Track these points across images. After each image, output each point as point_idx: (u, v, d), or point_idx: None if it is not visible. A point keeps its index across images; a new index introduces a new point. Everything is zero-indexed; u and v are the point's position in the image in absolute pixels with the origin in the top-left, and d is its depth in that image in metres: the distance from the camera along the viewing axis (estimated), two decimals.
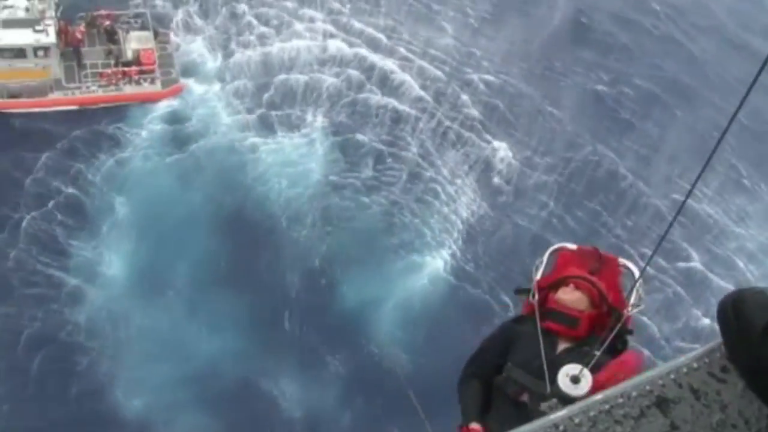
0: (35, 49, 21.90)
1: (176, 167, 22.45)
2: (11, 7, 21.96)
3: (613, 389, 1.54)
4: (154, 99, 23.37)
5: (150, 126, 23.00)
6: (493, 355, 3.36)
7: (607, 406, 1.50)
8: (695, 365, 1.61)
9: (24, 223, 20.32)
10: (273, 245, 21.53)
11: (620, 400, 1.51)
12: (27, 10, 21.90)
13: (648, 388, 1.54)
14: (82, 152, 22.03)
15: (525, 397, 3.10)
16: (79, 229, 20.78)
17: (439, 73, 26.89)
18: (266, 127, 24.07)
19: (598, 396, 1.52)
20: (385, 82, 26.25)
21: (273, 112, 24.50)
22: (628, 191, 24.93)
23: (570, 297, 3.38)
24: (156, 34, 24.01)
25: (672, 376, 1.58)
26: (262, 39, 26.48)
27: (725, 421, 1.51)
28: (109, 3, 24.51)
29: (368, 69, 26.38)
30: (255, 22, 26.99)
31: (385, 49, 27.29)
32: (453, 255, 22.50)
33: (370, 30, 27.72)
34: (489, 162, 24.70)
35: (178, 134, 23.00)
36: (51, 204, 20.88)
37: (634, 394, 1.52)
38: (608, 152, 25.99)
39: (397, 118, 25.23)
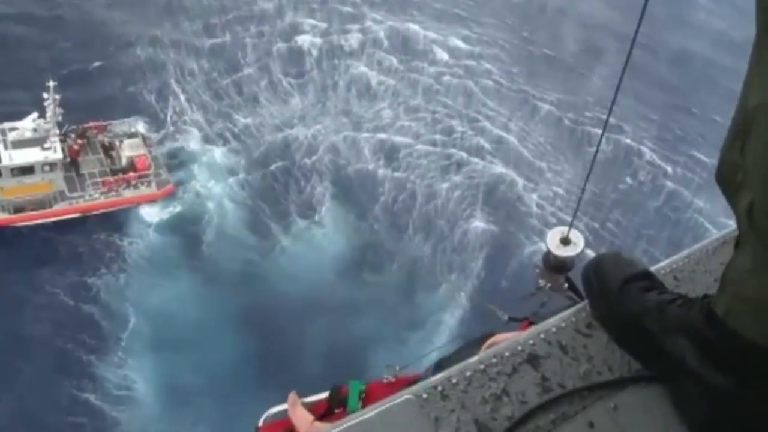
0: (43, 165, 23.58)
1: (184, 268, 24.45)
2: (18, 129, 23.45)
3: (486, 352, 1.65)
4: (150, 200, 25.61)
5: (152, 230, 25.20)
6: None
7: (482, 366, 1.58)
8: (563, 324, 1.72)
9: (45, 343, 20.72)
10: (294, 337, 22.46)
11: (494, 360, 1.59)
12: (35, 130, 23.52)
13: (520, 348, 1.63)
14: (89, 262, 23.64)
15: None
16: (99, 349, 21.32)
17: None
18: (275, 214, 26.89)
19: (474, 358, 1.60)
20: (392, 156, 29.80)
21: (272, 200, 27.27)
22: None
23: None
24: (144, 139, 26.31)
25: (542, 336, 1.68)
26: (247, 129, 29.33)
27: (591, 370, 1.61)
28: (98, 114, 26.58)
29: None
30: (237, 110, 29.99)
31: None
32: None
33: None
34: None
35: (181, 234, 25.26)
36: (67, 322, 21.59)
37: (507, 354, 1.61)
38: None
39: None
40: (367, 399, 3.64)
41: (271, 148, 29.24)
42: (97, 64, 29.91)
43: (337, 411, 3.63)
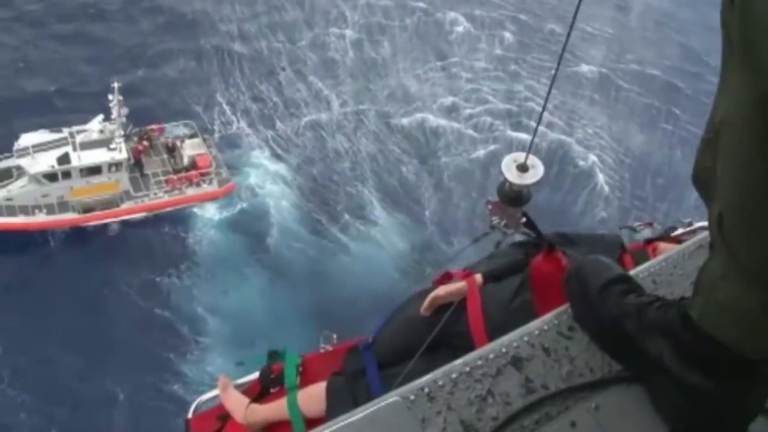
0: (110, 166, 24.14)
1: (249, 264, 24.86)
2: (86, 131, 24.08)
3: (471, 354, 1.67)
4: (212, 198, 26.07)
5: (215, 227, 25.71)
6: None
7: (467, 368, 1.60)
8: (546, 327, 1.75)
9: (125, 338, 21.12)
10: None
11: (479, 362, 1.63)
12: (101, 131, 24.10)
13: (504, 350, 1.66)
14: (158, 260, 24.15)
15: None
16: (175, 345, 21.78)
17: None
18: (329, 214, 27.22)
19: (459, 361, 1.63)
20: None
21: (339, 200, 27.73)
22: None
23: None
24: (203, 139, 26.83)
25: (525, 338, 1.70)
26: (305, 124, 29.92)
27: (573, 372, 1.64)
28: (159, 117, 27.34)
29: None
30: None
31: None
32: None
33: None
34: None
35: (245, 232, 25.70)
36: (142, 319, 22.10)
37: (491, 356, 1.64)
38: None
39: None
40: (305, 373, 3.57)
41: (314, 152, 29.60)
42: (141, 73, 30.59)
43: (273, 390, 3.57)
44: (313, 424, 3.16)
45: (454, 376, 1.61)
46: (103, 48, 31.40)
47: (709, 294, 1.41)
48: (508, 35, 37.69)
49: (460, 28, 37.38)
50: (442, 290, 3.07)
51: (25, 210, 23.63)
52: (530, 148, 2.58)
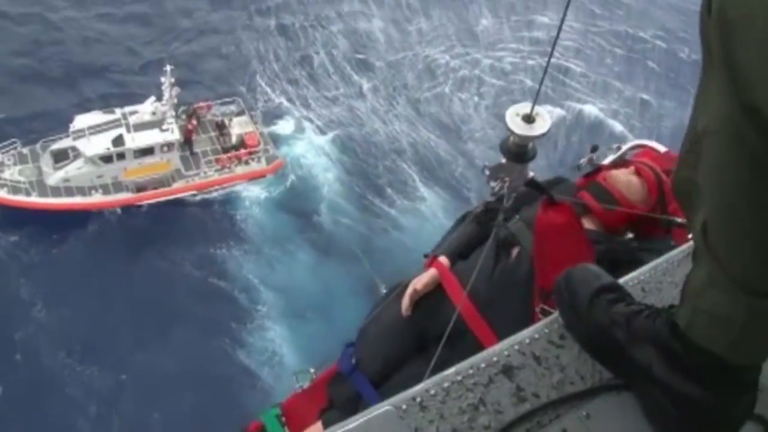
0: (162, 146, 24.70)
1: (300, 239, 25.42)
2: (138, 112, 24.61)
3: (462, 363, 1.65)
4: (261, 176, 26.57)
5: (265, 204, 26.23)
6: (512, 207, 2.98)
7: (459, 377, 1.61)
8: (536, 336, 1.75)
9: (188, 312, 21.79)
10: None
11: (471, 371, 1.62)
12: (153, 113, 24.63)
13: (495, 359, 1.66)
14: (211, 237, 24.76)
15: (515, 252, 2.89)
16: (238, 317, 22.37)
17: None
18: (374, 189, 27.72)
19: (451, 369, 1.62)
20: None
21: (381, 175, 28.20)
22: None
23: (623, 178, 2.95)
24: (251, 116, 27.29)
25: (516, 347, 1.70)
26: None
27: (564, 380, 1.65)
28: (205, 95, 27.88)
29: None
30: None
31: None
32: None
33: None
34: None
35: (294, 208, 26.24)
36: (202, 292, 22.78)
37: (482, 365, 1.65)
38: None
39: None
40: (290, 421, 3.38)
41: (352, 129, 30.13)
42: (185, 49, 31.18)
43: None
44: None
45: (446, 385, 1.60)
46: (151, 29, 32.08)
47: (695, 302, 1.42)
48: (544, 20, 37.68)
49: (484, 20, 37.45)
50: (418, 284, 2.97)
51: (82, 191, 24.27)
52: (537, 98, 2.38)
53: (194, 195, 25.91)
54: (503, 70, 34.08)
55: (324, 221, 26.11)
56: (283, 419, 3.34)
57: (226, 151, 26.18)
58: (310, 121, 29.96)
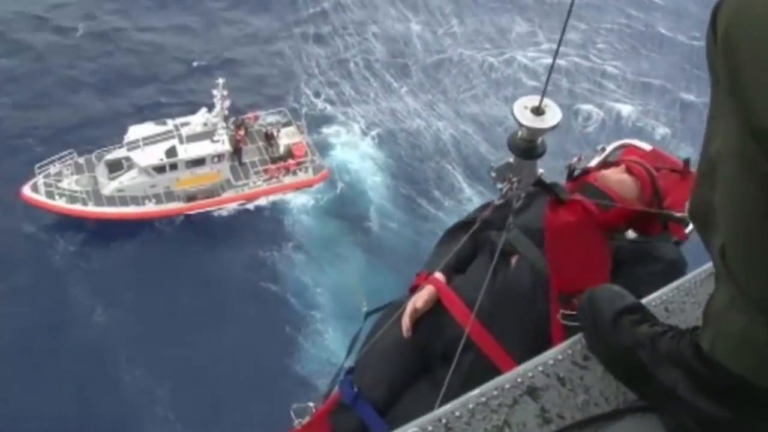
0: (213, 157, 25.30)
1: (350, 246, 25.82)
2: (189, 123, 25.25)
3: (487, 384, 1.65)
4: (308, 185, 27.09)
5: (313, 213, 26.73)
6: (502, 214, 2.80)
7: (484, 399, 1.60)
8: (560, 357, 1.75)
9: (244, 318, 22.24)
10: None
11: (495, 392, 1.62)
12: (205, 124, 25.26)
13: (519, 380, 1.66)
14: (263, 245, 25.24)
15: (514, 261, 2.83)
16: (293, 322, 22.91)
17: None
18: (420, 192, 28.14)
19: (476, 391, 1.62)
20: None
21: (426, 178, 28.64)
22: None
23: (615, 177, 2.92)
24: (298, 127, 27.83)
25: (540, 368, 1.70)
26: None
27: (589, 401, 1.65)
28: (252, 105, 28.55)
29: None
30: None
31: None
32: None
33: None
34: None
35: (342, 216, 26.69)
36: (256, 297, 23.24)
37: (507, 386, 1.64)
38: None
39: None
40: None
41: (395, 134, 30.58)
42: (231, 62, 31.84)
43: None
44: None
45: (470, 406, 1.60)
46: (196, 39, 32.91)
47: (717, 325, 1.41)
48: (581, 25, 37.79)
49: (517, 26, 37.69)
50: (418, 303, 2.89)
51: (136, 200, 24.95)
52: (545, 89, 2.28)
53: (243, 204, 26.48)
54: (535, 71, 34.26)
55: (373, 225, 26.55)
56: None
57: (274, 161, 26.72)
58: (354, 126, 30.48)
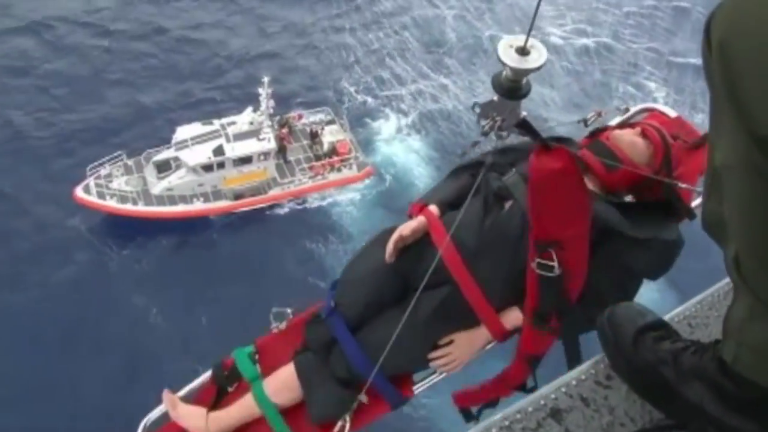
0: (259, 155, 25.58)
1: None
2: (235, 122, 25.57)
3: (509, 408, 1.63)
4: (353, 182, 27.28)
5: (360, 208, 26.96)
6: (509, 158, 2.95)
7: (507, 422, 1.58)
8: (583, 377, 1.73)
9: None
10: None
11: (518, 416, 1.60)
12: (251, 123, 25.55)
13: (542, 402, 1.65)
14: (312, 241, 25.52)
15: (508, 206, 2.78)
16: None
17: None
18: None
19: (498, 415, 1.60)
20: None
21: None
22: None
23: (628, 138, 2.83)
24: (341, 125, 28.04)
25: (563, 389, 1.69)
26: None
27: (614, 422, 1.62)
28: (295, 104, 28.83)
29: None
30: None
31: None
32: None
33: None
34: None
35: (389, 210, 26.78)
36: (305, 292, 23.61)
37: (530, 409, 1.62)
38: None
39: None
40: (263, 359, 3.23)
41: (438, 124, 30.77)
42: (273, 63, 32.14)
43: (231, 389, 3.22)
44: (290, 413, 3.03)
45: (494, 431, 1.58)
46: (237, 38, 33.22)
47: (738, 337, 1.39)
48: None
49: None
50: (405, 230, 2.86)
51: (184, 199, 25.32)
52: (531, 29, 2.20)
53: (289, 201, 26.74)
54: (565, 51, 34.13)
55: None
56: (256, 357, 3.20)
57: (318, 158, 26.94)
58: (396, 119, 30.70)
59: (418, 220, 2.88)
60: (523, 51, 2.20)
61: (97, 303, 21.77)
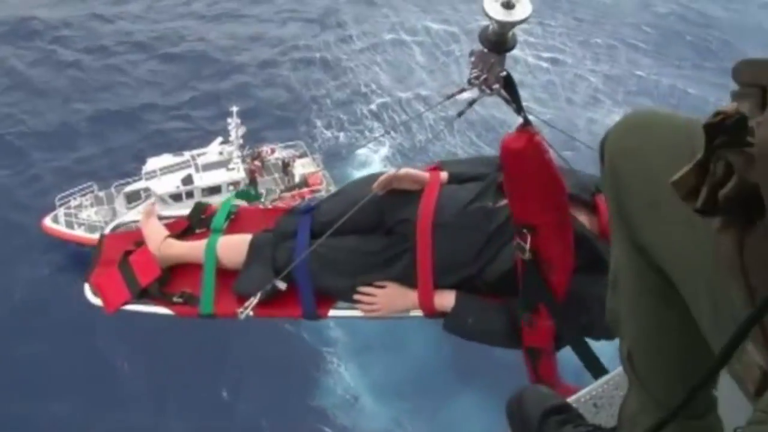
0: (228, 185, 25.66)
1: None
2: (206, 153, 25.71)
3: None
4: None
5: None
6: None
7: None
8: None
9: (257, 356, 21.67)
10: None
11: None
12: (221, 153, 25.72)
13: None
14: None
15: (502, 203, 2.81)
16: (309, 357, 22.79)
17: None
18: None
19: None
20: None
21: None
22: None
23: None
24: (313, 159, 28.25)
25: None
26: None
27: None
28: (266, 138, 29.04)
29: None
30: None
31: None
32: None
33: None
34: None
35: None
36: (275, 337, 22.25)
37: None
38: None
39: None
40: (236, 221, 3.39)
41: (411, 161, 30.70)
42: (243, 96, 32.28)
43: (198, 231, 3.41)
44: (225, 274, 3.17)
45: None
46: (210, 74, 33.46)
47: (630, 429, 1.46)
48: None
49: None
50: (403, 172, 2.95)
51: None
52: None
53: None
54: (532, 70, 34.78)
55: None
56: (233, 217, 3.37)
57: (289, 190, 26.99)
58: (372, 152, 30.84)
59: (423, 174, 3.00)
60: (508, 5, 2.27)
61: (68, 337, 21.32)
